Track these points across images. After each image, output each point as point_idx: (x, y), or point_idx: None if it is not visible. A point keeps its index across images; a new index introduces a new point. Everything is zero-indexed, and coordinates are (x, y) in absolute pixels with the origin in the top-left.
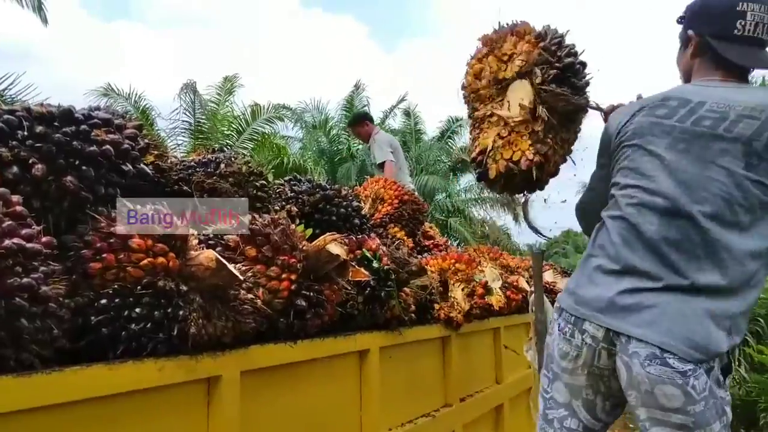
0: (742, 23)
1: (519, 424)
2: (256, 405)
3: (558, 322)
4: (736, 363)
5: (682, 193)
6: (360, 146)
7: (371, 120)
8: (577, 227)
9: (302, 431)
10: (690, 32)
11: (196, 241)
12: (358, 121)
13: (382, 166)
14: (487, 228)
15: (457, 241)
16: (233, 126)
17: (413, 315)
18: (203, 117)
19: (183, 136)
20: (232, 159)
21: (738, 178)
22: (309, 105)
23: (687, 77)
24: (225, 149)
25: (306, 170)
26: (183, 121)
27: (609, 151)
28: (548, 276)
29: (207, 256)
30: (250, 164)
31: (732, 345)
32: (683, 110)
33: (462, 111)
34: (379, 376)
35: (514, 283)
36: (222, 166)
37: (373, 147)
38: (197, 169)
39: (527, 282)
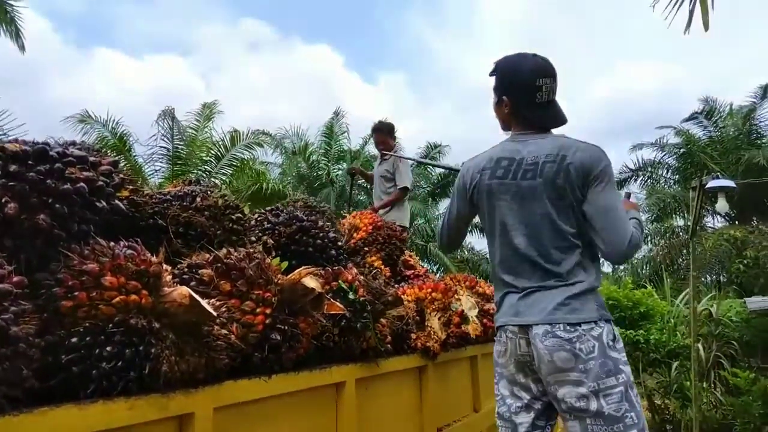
0: (540, 94)
1: None
2: None
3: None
4: (712, 386)
5: (526, 235)
6: (339, 172)
7: (393, 130)
8: None
9: None
10: (504, 98)
11: (170, 276)
12: (388, 129)
13: (400, 189)
14: (466, 252)
15: (437, 266)
16: (212, 152)
17: (389, 345)
18: (181, 143)
19: (161, 162)
20: (209, 192)
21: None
22: (289, 131)
23: (505, 126)
24: (201, 181)
25: (285, 196)
26: (161, 147)
27: (466, 198)
28: None
29: (180, 292)
30: (226, 197)
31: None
32: (513, 168)
33: (440, 136)
34: (355, 408)
35: (491, 311)
36: (198, 199)
37: (398, 165)
38: (173, 203)
39: None
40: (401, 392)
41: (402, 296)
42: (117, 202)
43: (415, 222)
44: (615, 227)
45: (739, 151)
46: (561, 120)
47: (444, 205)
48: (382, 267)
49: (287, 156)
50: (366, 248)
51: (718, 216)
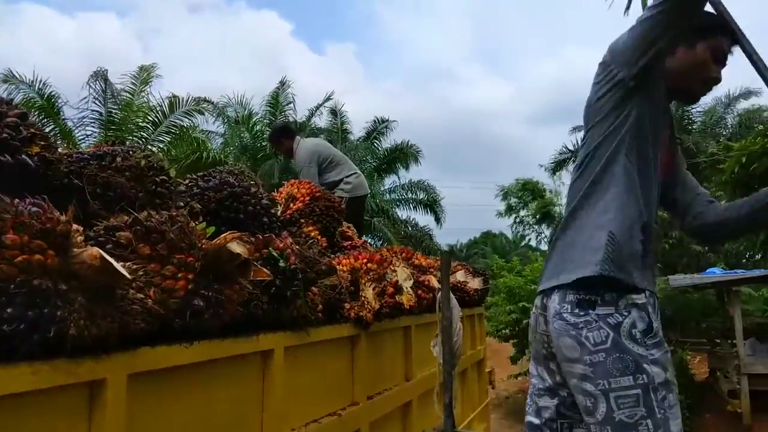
0: None
1: (428, 420)
2: (147, 409)
3: None
4: None
5: None
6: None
7: (289, 133)
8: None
9: None
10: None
11: (81, 237)
12: (274, 140)
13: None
14: (410, 228)
15: (381, 241)
16: (149, 118)
17: (320, 314)
18: (116, 107)
19: (93, 127)
20: (130, 152)
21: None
22: (232, 99)
23: None
24: (126, 142)
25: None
26: (93, 110)
27: None
28: (460, 276)
29: (90, 253)
30: (150, 158)
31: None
32: None
33: (388, 112)
34: (283, 377)
35: (426, 282)
36: (118, 159)
37: (295, 164)
38: (90, 162)
39: (438, 281)
40: (333, 361)
41: (337, 266)
42: (24, 157)
43: None
44: None
45: None
46: None
47: (390, 181)
48: (319, 237)
49: (230, 125)
50: (302, 219)
51: None
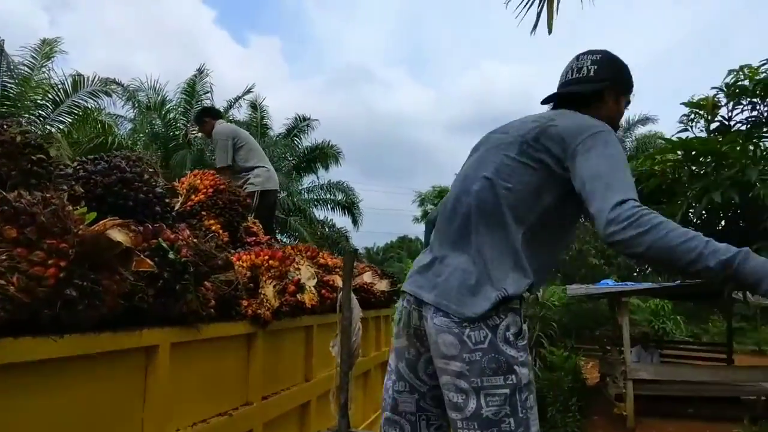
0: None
1: (325, 421)
2: (9, 405)
3: None
4: (534, 363)
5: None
6: (200, 134)
7: (213, 114)
8: (417, 234)
9: None
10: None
11: None
12: (198, 119)
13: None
14: (327, 229)
15: (297, 240)
16: (49, 96)
17: (212, 310)
18: (11, 81)
19: None
20: (4, 127)
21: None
22: (144, 84)
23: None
24: (2, 117)
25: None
26: None
27: None
28: (367, 277)
29: None
30: (27, 135)
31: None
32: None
33: (310, 110)
34: (168, 374)
35: (330, 282)
36: None
37: (212, 140)
38: None
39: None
40: (226, 360)
41: (236, 262)
42: None
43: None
44: None
45: None
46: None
47: (308, 180)
48: (221, 232)
49: (141, 111)
50: (204, 212)
51: None
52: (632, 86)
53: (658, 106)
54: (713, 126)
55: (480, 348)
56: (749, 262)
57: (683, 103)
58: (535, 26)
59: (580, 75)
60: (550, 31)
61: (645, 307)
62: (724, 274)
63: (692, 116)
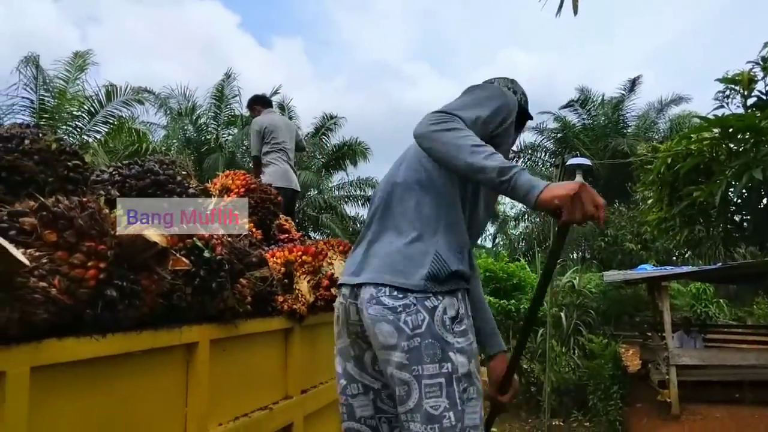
0: None
1: None
2: (53, 404)
3: None
4: (571, 350)
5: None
6: (230, 137)
7: (261, 102)
8: None
9: (110, 431)
10: None
11: None
12: (249, 106)
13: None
14: (358, 225)
15: (328, 237)
16: (84, 107)
17: (249, 307)
18: (48, 95)
19: (23, 115)
20: (41, 134)
21: None
22: (175, 91)
23: None
24: (39, 125)
25: None
26: (23, 97)
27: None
28: None
29: None
30: (62, 141)
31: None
32: None
33: (335, 108)
34: (209, 370)
35: None
36: (26, 141)
37: (248, 136)
38: None
39: None
40: (264, 354)
41: (270, 258)
42: None
43: (308, 193)
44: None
45: (607, 138)
46: None
47: (338, 177)
48: (254, 230)
49: (173, 117)
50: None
51: None
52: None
53: (691, 84)
54: (750, 101)
55: (418, 333)
56: (525, 174)
57: (718, 80)
58: (560, 8)
59: None
60: (575, 13)
61: (686, 291)
62: (499, 178)
63: (728, 92)
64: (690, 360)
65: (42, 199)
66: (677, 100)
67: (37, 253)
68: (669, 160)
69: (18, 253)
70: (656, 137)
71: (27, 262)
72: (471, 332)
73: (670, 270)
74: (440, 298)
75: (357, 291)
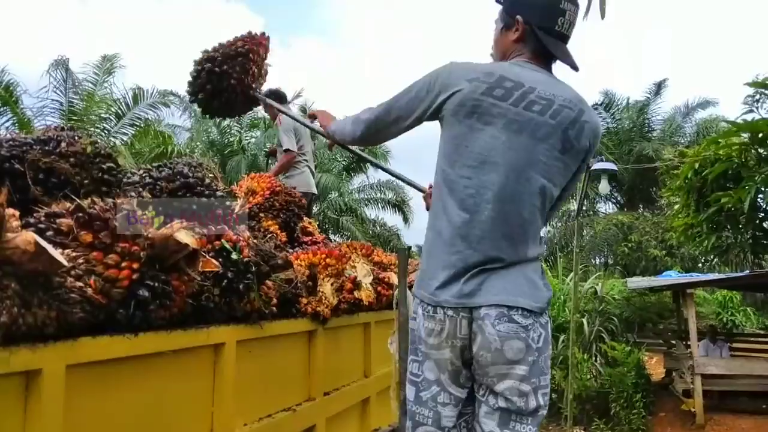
0: (562, 20)
1: (385, 417)
2: (87, 401)
3: (420, 305)
4: (593, 357)
5: (511, 178)
6: (252, 139)
7: (279, 98)
8: None
9: (141, 428)
10: (518, 18)
11: (18, 222)
12: (268, 97)
13: (284, 152)
14: (378, 227)
15: (348, 239)
16: (112, 109)
17: (274, 309)
18: (77, 97)
19: (53, 117)
20: (76, 138)
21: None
22: None
23: (503, 56)
24: (74, 128)
25: None
26: (53, 100)
27: (431, 104)
28: None
29: (24, 238)
30: (97, 144)
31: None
32: (517, 93)
33: (357, 109)
34: (235, 371)
35: (386, 279)
36: (63, 144)
37: (279, 130)
38: (33, 147)
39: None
40: (288, 356)
41: (295, 261)
42: None
43: (329, 195)
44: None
45: (631, 142)
46: (574, 63)
47: (359, 180)
48: (279, 232)
49: (197, 120)
50: (262, 214)
51: (611, 202)
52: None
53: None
54: None
55: (538, 348)
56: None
57: (747, 84)
58: (587, 11)
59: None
60: (603, 16)
61: (712, 299)
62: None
63: (758, 96)
64: (716, 369)
65: (78, 201)
66: (704, 103)
67: (73, 254)
68: (696, 165)
69: (57, 254)
70: (682, 142)
71: (65, 263)
72: None
73: (696, 277)
74: (546, 313)
75: (472, 307)
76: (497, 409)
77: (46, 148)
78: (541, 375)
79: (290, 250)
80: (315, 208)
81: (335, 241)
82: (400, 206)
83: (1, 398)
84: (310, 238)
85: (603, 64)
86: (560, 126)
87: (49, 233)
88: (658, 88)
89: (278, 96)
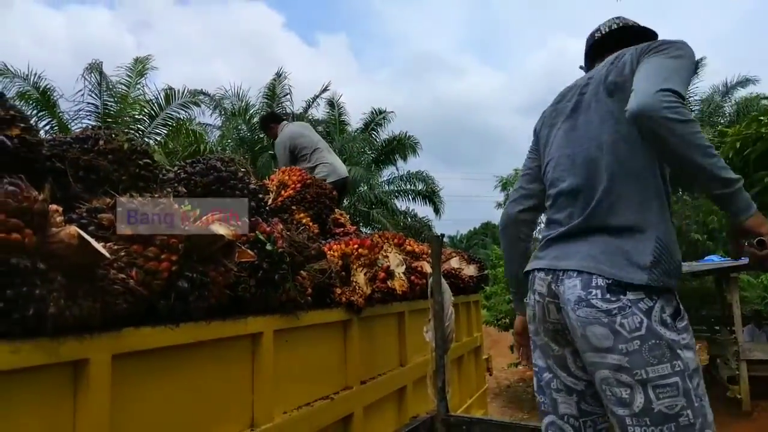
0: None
1: (422, 405)
2: (132, 390)
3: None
4: None
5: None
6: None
7: (275, 119)
8: (496, 219)
9: (185, 416)
10: None
11: (61, 217)
12: (263, 127)
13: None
14: (409, 219)
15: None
16: (145, 110)
17: (309, 299)
18: (111, 100)
19: (89, 119)
20: (113, 135)
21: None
22: (228, 91)
23: None
24: (111, 127)
25: None
26: (88, 103)
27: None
28: (454, 262)
29: (68, 232)
30: (133, 141)
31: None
32: (569, 93)
33: (382, 102)
34: (273, 360)
35: (419, 268)
36: (101, 142)
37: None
38: (73, 145)
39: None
40: (324, 345)
41: (328, 251)
42: (2, 137)
43: (359, 188)
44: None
45: None
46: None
47: (388, 172)
48: (311, 224)
49: (227, 118)
50: (294, 206)
51: None
52: None
53: (758, 66)
54: None
55: (637, 336)
56: (744, 192)
57: None
58: None
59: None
60: None
61: (756, 283)
62: (722, 190)
63: None
64: (762, 354)
65: (117, 196)
66: (744, 82)
67: (115, 247)
68: (738, 145)
69: (100, 247)
70: (722, 121)
71: (108, 255)
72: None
73: (739, 261)
74: (655, 297)
75: (556, 288)
76: (608, 404)
77: (85, 146)
78: (648, 366)
79: (323, 241)
80: (345, 201)
81: (366, 233)
82: (430, 197)
83: (52, 387)
84: (342, 229)
85: None
86: (599, 80)
87: (91, 228)
88: (696, 67)
89: (274, 117)
